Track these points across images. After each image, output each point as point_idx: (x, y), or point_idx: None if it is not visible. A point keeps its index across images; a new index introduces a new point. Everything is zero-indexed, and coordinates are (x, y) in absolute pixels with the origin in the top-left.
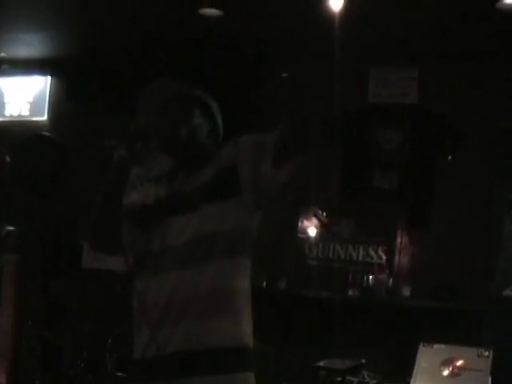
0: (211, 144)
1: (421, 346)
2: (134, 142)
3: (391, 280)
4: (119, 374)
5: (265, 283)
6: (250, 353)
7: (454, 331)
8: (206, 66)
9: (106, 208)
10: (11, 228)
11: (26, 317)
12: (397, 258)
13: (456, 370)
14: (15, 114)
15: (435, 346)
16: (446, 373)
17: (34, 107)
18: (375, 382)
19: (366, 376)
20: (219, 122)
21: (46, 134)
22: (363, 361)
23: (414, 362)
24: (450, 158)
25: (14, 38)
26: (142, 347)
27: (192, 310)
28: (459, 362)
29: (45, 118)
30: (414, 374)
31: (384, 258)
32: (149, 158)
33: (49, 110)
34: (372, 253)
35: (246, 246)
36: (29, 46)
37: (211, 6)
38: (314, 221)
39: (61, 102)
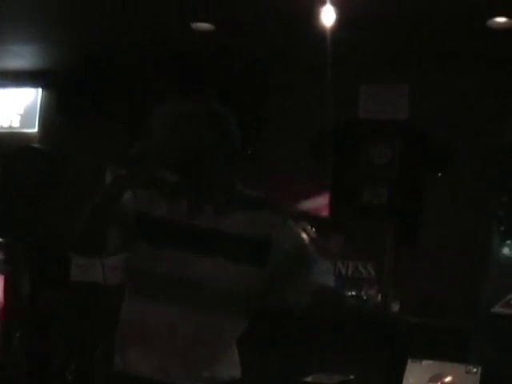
0: (223, 161)
1: (409, 361)
2: (133, 166)
3: (380, 296)
4: None
5: None
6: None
7: (442, 347)
8: (199, 79)
9: (95, 216)
10: (0, 240)
11: (14, 329)
12: (386, 273)
13: None
14: (6, 125)
15: (423, 362)
16: None
17: (25, 119)
18: None
19: None
20: (233, 136)
21: (36, 145)
22: (351, 376)
23: (402, 377)
24: (439, 174)
25: (5, 50)
26: (146, 367)
27: (190, 353)
28: (447, 379)
29: (35, 129)
30: None
31: (373, 273)
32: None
33: (39, 121)
34: (361, 268)
35: (248, 308)
36: (20, 57)
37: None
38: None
39: (51, 114)
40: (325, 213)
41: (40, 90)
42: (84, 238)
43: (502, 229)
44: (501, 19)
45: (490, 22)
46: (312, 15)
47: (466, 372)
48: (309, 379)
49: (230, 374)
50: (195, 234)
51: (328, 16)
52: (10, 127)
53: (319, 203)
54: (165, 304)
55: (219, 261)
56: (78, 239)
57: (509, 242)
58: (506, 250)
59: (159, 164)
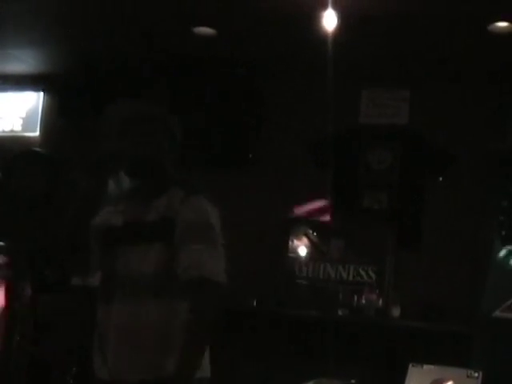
0: (171, 161)
1: (410, 366)
2: (101, 169)
3: (381, 300)
4: None
5: (255, 302)
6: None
7: (443, 352)
8: (199, 84)
9: (74, 233)
10: (1, 244)
11: (14, 332)
12: (386, 278)
13: None
14: (7, 129)
15: (424, 366)
16: None
17: (27, 123)
18: None
19: None
20: (179, 137)
21: (38, 149)
22: (353, 381)
23: (403, 382)
24: (440, 178)
25: (7, 54)
26: (104, 370)
27: (131, 342)
28: (448, 383)
29: (37, 133)
30: None
31: (374, 278)
32: (112, 179)
33: (41, 125)
34: (362, 273)
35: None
36: (21, 61)
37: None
38: (305, 240)
39: (53, 117)
40: (326, 216)
41: (41, 93)
42: (70, 258)
43: (503, 233)
44: (502, 24)
45: (491, 27)
46: (313, 19)
47: (467, 376)
48: None
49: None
50: (123, 229)
51: (329, 20)
52: (12, 131)
53: (319, 206)
54: (108, 301)
55: (143, 247)
56: (63, 260)
57: (509, 246)
58: (506, 255)
59: (120, 164)
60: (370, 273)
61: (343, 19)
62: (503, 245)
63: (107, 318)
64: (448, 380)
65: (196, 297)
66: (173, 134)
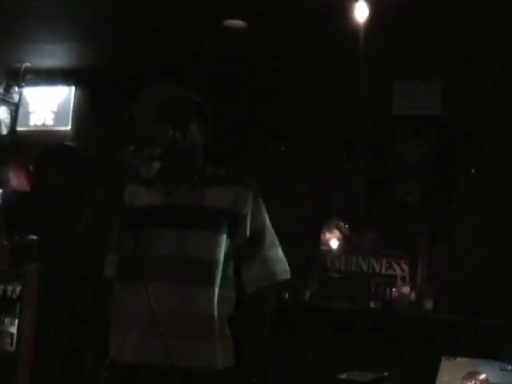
0: (204, 147)
1: (443, 359)
2: (142, 149)
3: (414, 293)
4: None
5: (287, 295)
6: (225, 374)
7: (476, 344)
8: (230, 78)
9: (102, 208)
10: (34, 237)
11: (49, 327)
12: (419, 270)
13: None
14: (39, 123)
15: (458, 359)
16: None
17: (58, 117)
18: None
19: None
20: (211, 124)
21: (70, 144)
22: (385, 374)
23: (436, 375)
24: (473, 170)
25: (39, 49)
26: (129, 351)
27: (176, 327)
28: (482, 376)
29: (69, 127)
30: None
31: (407, 270)
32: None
33: (73, 119)
34: (395, 265)
35: (222, 277)
36: (53, 56)
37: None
38: (337, 233)
39: (85, 111)
40: (358, 210)
41: (73, 87)
42: (93, 232)
43: None
44: None
45: None
46: (344, 10)
47: (501, 369)
48: (343, 376)
49: (222, 361)
50: (170, 211)
51: (361, 11)
52: (44, 125)
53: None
54: (149, 282)
55: (196, 232)
56: (87, 233)
57: None
58: None
59: (158, 146)
60: (403, 265)
61: (375, 10)
62: None
63: (141, 299)
64: (481, 373)
65: (264, 295)
66: (206, 120)
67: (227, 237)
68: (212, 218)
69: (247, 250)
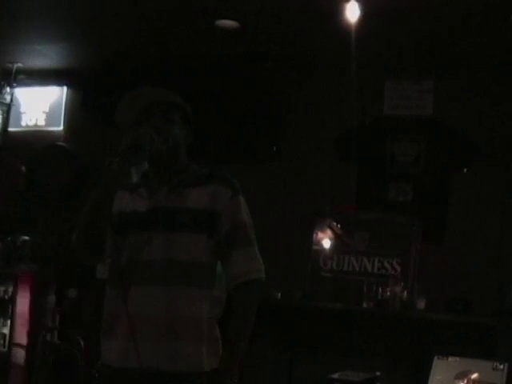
0: (186, 149)
1: (435, 358)
2: (129, 157)
3: (406, 292)
4: None
5: (279, 295)
6: (212, 376)
7: (468, 344)
8: (223, 78)
9: (93, 219)
10: (26, 238)
11: (41, 327)
12: (411, 270)
13: (470, 383)
14: (31, 123)
15: (450, 358)
16: None
17: (50, 117)
18: None
19: None
20: (191, 123)
21: (62, 144)
22: (378, 373)
23: (428, 374)
24: (465, 170)
25: (31, 49)
26: (116, 355)
27: (164, 330)
28: (474, 375)
29: (61, 128)
30: None
31: (399, 270)
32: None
33: (65, 120)
34: (387, 265)
35: (210, 278)
36: (45, 56)
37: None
38: (329, 233)
39: (77, 112)
40: (350, 209)
41: (65, 88)
42: (83, 241)
43: None
44: None
45: None
46: (336, 11)
47: (493, 369)
48: (335, 376)
49: (210, 362)
50: (153, 215)
51: (352, 11)
52: (36, 125)
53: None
54: (136, 285)
55: (180, 234)
56: (77, 243)
57: None
58: None
59: (146, 151)
60: (395, 265)
61: (366, 11)
62: None
63: (128, 303)
64: (473, 372)
65: (241, 294)
66: (189, 121)
67: (208, 236)
68: (194, 218)
69: (224, 247)
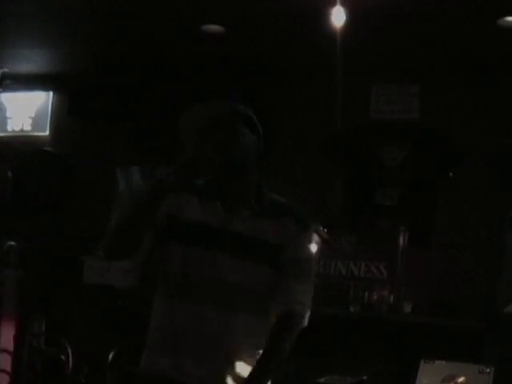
0: (258, 158)
1: (422, 362)
2: (183, 175)
3: (392, 296)
4: None
5: None
6: None
7: (455, 348)
8: (208, 82)
9: (134, 219)
10: (13, 243)
11: (27, 332)
12: (398, 274)
13: None
14: (17, 128)
15: (436, 362)
16: None
17: (36, 122)
18: None
19: None
20: (261, 132)
21: (48, 149)
22: (364, 377)
23: (415, 378)
24: (451, 174)
25: (17, 54)
26: (163, 366)
27: (216, 352)
28: (460, 379)
29: (47, 133)
30: None
31: (385, 274)
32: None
33: (51, 125)
34: (373, 269)
35: (268, 309)
36: (31, 61)
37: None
38: (316, 237)
39: (63, 117)
40: (337, 214)
41: (51, 93)
42: (121, 240)
43: None
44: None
45: (500, 21)
46: (322, 15)
47: (479, 372)
48: (322, 381)
49: None
50: (230, 236)
51: (338, 16)
52: (22, 130)
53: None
54: (194, 304)
55: (248, 263)
56: (113, 241)
57: None
58: None
59: (200, 171)
60: (382, 269)
61: (352, 15)
62: None
63: (180, 317)
64: (460, 376)
65: (288, 320)
66: (256, 131)
67: (270, 266)
68: (264, 250)
69: (281, 274)
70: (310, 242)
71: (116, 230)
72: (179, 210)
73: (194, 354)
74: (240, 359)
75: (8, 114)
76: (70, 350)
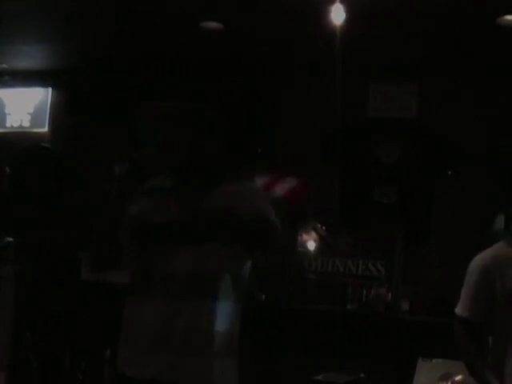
0: (216, 154)
1: (419, 360)
2: (128, 181)
3: (390, 294)
4: None
5: (264, 297)
6: None
7: (452, 346)
8: (207, 80)
9: (103, 229)
10: (10, 239)
11: (25, 329)
12: (396, 272)
13: None
14: (16, 125)
15: (434, 360)
16: None
17: (35, 118)
18: None
19: None
20: (218, 131)
21: (47, 145)
22: (362, 375)
23: (412, 376)
24: (449, 172)
25: (16, 50)
26: (135, 366)
27: (175, 344)
28: (458, 377)
29: (45, 129)
30: None
31: (383, 272)
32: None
33: (49, 121)
34: (371, 267)
35: (230, 289)
36: (30, 57)
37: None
38: (314, 235)
39: (61, 113)
40: (335, 211)
41: (50, 89)
42: (99, 254)
43: None
44: (511, 17)
45: (499, 20)
46: (321, 13)
47: None
48: (319, 378)
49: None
50: (179, 227)
51: (337, 14)
52: (21, 127)
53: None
54: (158, 300)
55: (204, 247)
56: (94, 256)
57: None
58: None
59: (161, 165)
60: (379, 267)
61: (351, 13)
62: None
63: (151, 313)
64: (457, 374)
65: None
66: (212, 130)
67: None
68: (202, 228)
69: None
70: (255, 191)
71: (92, 246)
72: (139, 209)
73: (159, 349)
74: (202, 347)
75: (7, 110)
76: (67, 347)
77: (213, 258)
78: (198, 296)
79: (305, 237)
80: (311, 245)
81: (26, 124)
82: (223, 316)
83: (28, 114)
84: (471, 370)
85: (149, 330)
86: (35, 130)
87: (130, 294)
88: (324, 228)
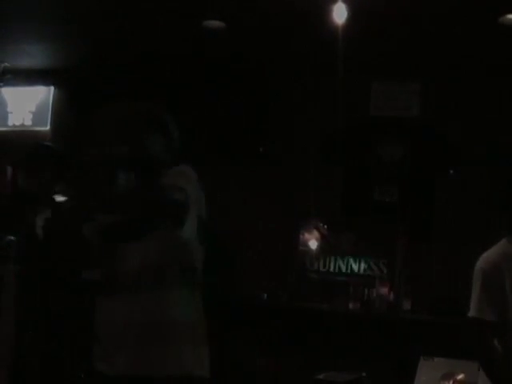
0: (169, 159)
1: (421, 359)
2: (95, 168)
3: (392, 293)
4: None
5: (266, 296)
6: (197, 381)
7: (454, 345)
8: (208, 79)
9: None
10: (11, 238)
11: (26, 328)
12: (397, 271)
13: None
14: (18, 123)
15: (435, 359)
16: None
17: (37, 117)
18: None
19: None
20: (174, 135)
21: (49, 144)
22: (363, 374)
23: (414, 375)
24: (451, 171)
25: (18, 49)
26: (103, 361)
27: (135, 336)
28: (459, 376)
29: (47, 128)
30: None
31: (385, 271)
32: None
33: (51, 120)
34: (373, 266)
35: (183, 278)
36: (32, 56)
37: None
38: (315, 234)
39: (63, 112)
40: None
41: (52, 88)
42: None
43: None
44: None
45: (502, 19)
46: (323, 13)
47: (479, 369)
48: (321, 377)
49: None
50: (127, 225)
51: (339, 14)
52: (23, 125)
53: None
54: (119, 296)
55: (146, 240)
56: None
57: None
58: None
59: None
60: (381, 266)
61: (353, 13)
62: None
63: (111, 309)
64: (459, 373)
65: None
66: (167, 132)
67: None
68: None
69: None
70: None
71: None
72: (99, 218)
73: (126, 344)
74: (169, 336)
75: (9, 109)
76: (69, 346)
77: (162, 248)
78: (155, 287)
79: (307, 236)
80: (313, 244)
81: (28, 123)
82: (184, 304)
83: (30, 112)
84: (488, 370)
85: (114, 327)
86: (37, 129)
87: (98, 293)
88: (326, 227)
